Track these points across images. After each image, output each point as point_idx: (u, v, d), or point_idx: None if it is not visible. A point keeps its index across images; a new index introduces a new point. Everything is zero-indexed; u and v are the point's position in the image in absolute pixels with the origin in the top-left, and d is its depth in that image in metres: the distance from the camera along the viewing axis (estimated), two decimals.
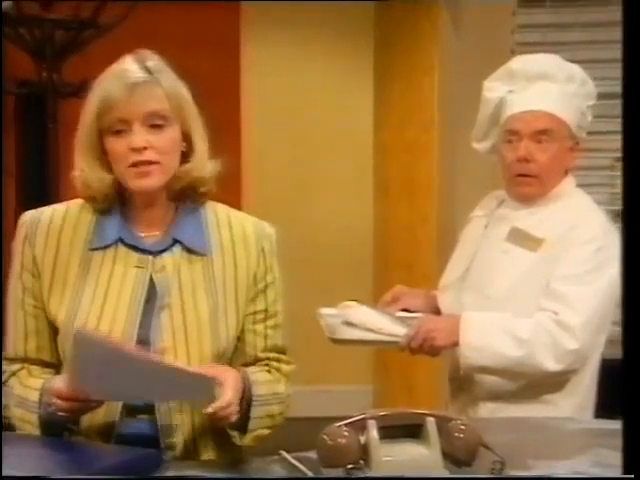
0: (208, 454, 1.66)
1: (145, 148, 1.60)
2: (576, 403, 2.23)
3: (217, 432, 1.67)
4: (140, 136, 1.60)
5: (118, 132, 1.61)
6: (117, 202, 1.69)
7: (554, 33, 3.79)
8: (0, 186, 3.67)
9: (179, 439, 1.62)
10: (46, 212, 1.71)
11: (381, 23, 4.90)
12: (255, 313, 1.73)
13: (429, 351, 2.19)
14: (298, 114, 5.10)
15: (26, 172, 4.02)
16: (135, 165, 1.61)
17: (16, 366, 1.70)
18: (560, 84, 2.29)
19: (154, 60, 1.66)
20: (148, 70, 1.63)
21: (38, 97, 3.77)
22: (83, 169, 1.65)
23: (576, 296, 2.14)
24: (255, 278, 1.72)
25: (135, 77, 1.60)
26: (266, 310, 1.75)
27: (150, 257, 1.67)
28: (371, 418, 1.41)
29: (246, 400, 1.63)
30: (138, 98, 1.60)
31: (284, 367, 1.76)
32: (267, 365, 1.75)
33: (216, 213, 1.75)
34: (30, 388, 1.64)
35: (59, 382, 1.56)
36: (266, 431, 1.68)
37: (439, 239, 3.92)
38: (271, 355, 1.75)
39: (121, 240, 1.67)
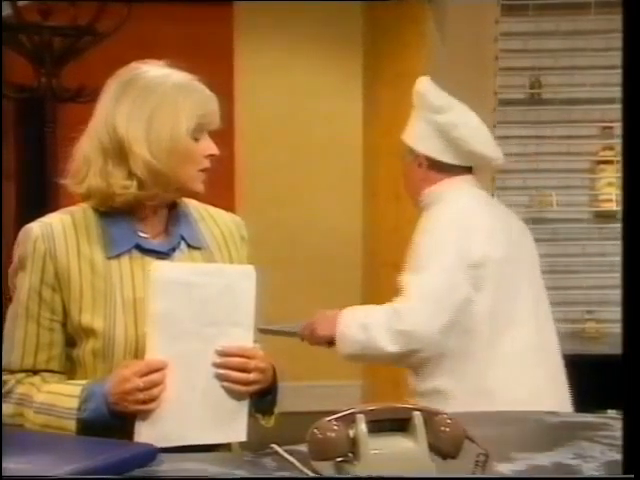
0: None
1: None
2: (467, 389, 2.33)
3: None
4: (214, 145, 1.70)
5: (196, 138, 1.67)
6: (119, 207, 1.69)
7: (536, 41, 3.80)
8: (0, 190, 3.66)
9: None
10: (54, 222, 1.67)
11: (369, 30, 4.91)
12: None
13: (313, 340, 2.42)
14: (289, 118, 5.11)
15: (25, 176, 4.01)
16: (203, 170, 1.69)
17: (21, 375, 1.66)
18: (417, 109, 2.47)
19: None
20: None
21: (37, 102, 3.77)
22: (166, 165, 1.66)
23: (409, 284, 2.31)
24: (240, 263, 1.78)
25: (209, 90, 1.69)
26: None
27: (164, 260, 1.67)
28: (360, 412, 1.41)
29: (275, 383, 1.70)
30: (217, 109, 1.70)
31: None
32: None
33: (197, 209, 1.79)
34: (57, 394, 1.61)
35: (124, 368, 1.56)
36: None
37: None
38: None
39: (137, 246, 1.67)
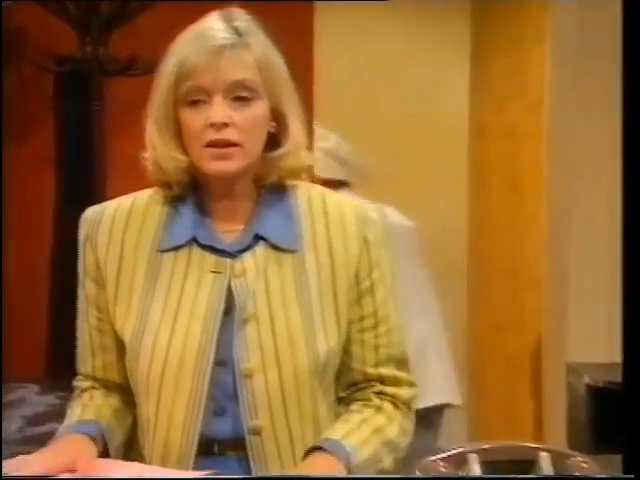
0: None
1: (226, 125, 1.55)
2: None
3: None
4: (221, 110, 1.55)
5: (195, 103, 1.56)
6: (192, 191, 1.64)
7: None
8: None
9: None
10: (110, 207, 1.67)
11: None
12: (362, 319, 1.64)
13: None
14: (379, 95, 5.09)
15: (68, 160, 4.07)
16: (212, 145, 1.56)
17: (87, 383, 1.70)
18: None
19: (245, 20, 1.61)
20: (237, 31, 1.58)
21: (82, 75, 3.81)
22: (156, 148, 1.60)
23: None
24: (357, 275, 1.63)
25: (221, 38, 1.56)
26: (375, 314, 1.64)
27: (228, 259, 1.61)
28: (472, 452, 1.39)
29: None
30: (224, 64, 1.55)
31: (402, 392, 1.67)
32: (380, 393, 1.66)
33: (308, 197, 1.66)
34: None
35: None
36: None
37: (549, 240, 3.86)
38: (385, 372, 1.66)
39: (195, 240, 1.61)
